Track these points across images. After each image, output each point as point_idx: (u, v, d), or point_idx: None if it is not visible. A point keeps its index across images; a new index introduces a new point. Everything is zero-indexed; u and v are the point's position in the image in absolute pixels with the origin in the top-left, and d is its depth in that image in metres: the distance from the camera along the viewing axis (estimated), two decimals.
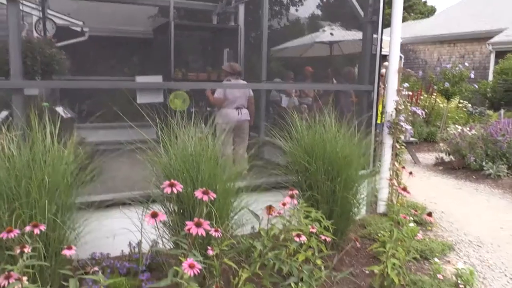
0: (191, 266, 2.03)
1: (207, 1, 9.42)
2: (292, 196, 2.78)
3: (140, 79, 5.22)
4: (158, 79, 5.88)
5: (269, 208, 2.77)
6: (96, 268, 2.47)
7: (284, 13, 10.30)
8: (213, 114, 6.06)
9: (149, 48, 9.49)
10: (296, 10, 11.67)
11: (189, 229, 2.17)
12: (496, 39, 14.38)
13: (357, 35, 5.62)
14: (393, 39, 4.65)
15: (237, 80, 6.05)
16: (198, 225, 2.20)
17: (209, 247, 2.61)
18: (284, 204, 2.93)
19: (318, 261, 2.95)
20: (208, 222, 2.30)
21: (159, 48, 8.88)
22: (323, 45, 9.22)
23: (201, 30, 9.66)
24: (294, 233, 2.67)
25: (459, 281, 3.55)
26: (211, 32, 9.67)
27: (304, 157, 3.63)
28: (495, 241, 4.56)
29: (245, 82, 6.24)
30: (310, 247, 2.92)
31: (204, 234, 2.20)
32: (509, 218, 5.27)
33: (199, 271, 2.09)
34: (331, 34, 8.50)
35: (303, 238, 2.66)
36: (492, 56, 14.41)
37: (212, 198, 2.42)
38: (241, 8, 8.76)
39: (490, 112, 11.61)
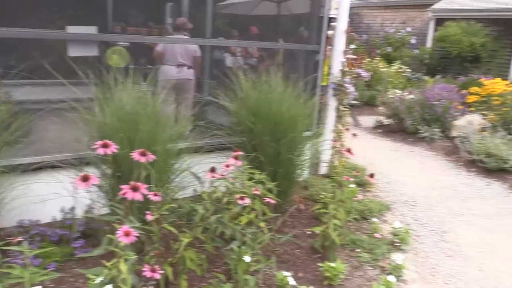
0: (127, 234, 1.89)
1: None
2: (236, 158, 2.69)
3: (71, 29, 4.78)
4: (92, 30, 5.44)
5: (212, 170, 2.66)
6: (21, 238, 2.26)
7: None
8: (154, 72, 5.77)
9: None
10: None
11: (124, 194, 2.01)
12: (436, 6, 14.74)
13: None
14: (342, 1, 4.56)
15: (181, 36, 5.76)
16: (135, 189, 2.05)
17: (148, 212, 2.47)
18: (227, 166, 2.83)
19: (262, 224, 2.91)
20: (146, 185, 2.15)
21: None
22: (271, 4, 8.95)
23: None
24: (237, 196, 2.59)
25: (395, 239, 3.70)
26: None
27: (249, 118, 3.52)
28: (428, 201, 4.80)
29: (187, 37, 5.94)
30: (254, 209, 2.86)
31: (141, 198, 2.05)
32: (440, 179, 5.56)
33: (136, 238, 1.96)
34: None
35: (247, 201, 2.59)
36: (432, 23, 14.78)
37: (151, 160, 2.27)
38: None
39: (426, 77, 12.04)
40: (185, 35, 5.85)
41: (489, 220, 4.39)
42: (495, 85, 7.71)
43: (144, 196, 2.12)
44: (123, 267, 1.96)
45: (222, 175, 2.84)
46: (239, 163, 2.70)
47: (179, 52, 5.67)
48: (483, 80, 8.38)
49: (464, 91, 7.92)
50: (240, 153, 2.85)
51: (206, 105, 5.85)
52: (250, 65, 9.22)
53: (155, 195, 2.38)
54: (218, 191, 2.67)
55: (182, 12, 8.08)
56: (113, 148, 2.24)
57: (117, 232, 1.91)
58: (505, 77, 11.87)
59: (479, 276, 3.34)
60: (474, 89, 7.91)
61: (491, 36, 12.84)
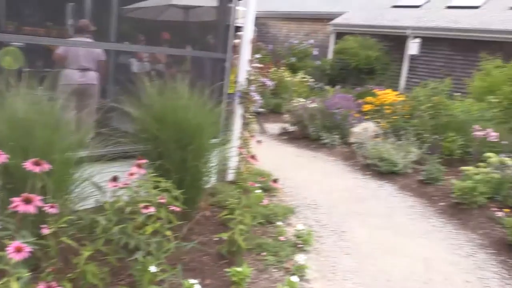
0: (18, 250, 1.76)
1: None
2: (139, 166, 2.63)
3: None
4: None
5: (114, 179, 2.58)
6: None
7: None
8: (53, 75, 5.43)
9: None
10: None
11: (15, 207, 1.88)
12: (336, 20, 15.79)
13: (213, 2, 5.54)
14: (249, 9, 4.69)
15: (84, 39, 5.49)
16: (28, 201, 1.92)
17: (44, 226, 2.32)
18: (131, 175, 2.77)
19: (168, 232, 2.88)
20: (41, 197, 2.03)
21: None
22: (179, 10, 8.89)
23: None
24: (141, 205, 2.54)
25: (298, 241, 3.88)
26: None
27: (155, 125, 3.47)
28: (328, 203, 5.10)
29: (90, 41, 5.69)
30: (160, 218, 2.82)
31: (34, 211, 1.93)
32: (340, 182, 5.95)
33: (29, 254, 1.83)
34: (181, 4, 8.24)
35: (151, 210, 2.55)
36: (333, 36, 15.80)
37: (47, 170, 2.14)
38: None
39: (328, 87, 12.80)
40: (87, 37, 5.59)
41: (381, 218, 4.80)
42: (386, 95, 8.46)
43: (39, 208, 2.00)
44: (15, 286, 1.83)
45: (125, 184, 2.77)
46: (143, 171, 2.65)
47: (82, 55, 5.42)
48: (377, 90, 9.14)
49: (360, 101, 8.57)
50: (144, 161, 2.80)
51: (110, 111, 5.64)
52: (157, 71, 9.05)
53: (52, 207, 2.25)
54: (121, 201, 2.60)
55: (84, 14, 7.70)
56: (2, 158, 2.08)
57: (7, 248, 1.78)
58: (396, 88, 13.05)
59: (372, 271, 3.63)
60: (368, 98, 8.60)
61: (383, 50, 14.07)
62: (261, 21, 19.52)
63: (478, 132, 6.15)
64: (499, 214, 4.63)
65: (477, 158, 5.82)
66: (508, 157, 5.47)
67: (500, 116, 7.26)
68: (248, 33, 4.72)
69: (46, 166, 2.14)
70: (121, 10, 7.59)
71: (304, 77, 12.21)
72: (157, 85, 3.83)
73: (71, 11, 8.31)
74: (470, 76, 10.30)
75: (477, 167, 5.12)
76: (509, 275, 3.75)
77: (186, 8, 8.65)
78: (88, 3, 7.76)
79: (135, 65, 8.63)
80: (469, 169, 5.05)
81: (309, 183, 5.79)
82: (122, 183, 2.70)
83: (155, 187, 2.95)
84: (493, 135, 6.03)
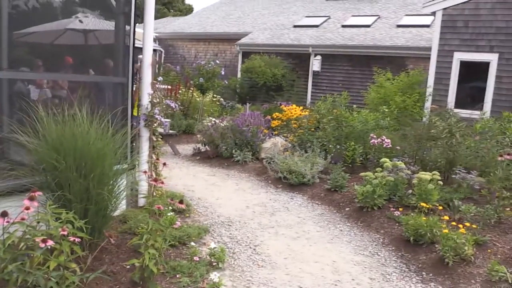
0: None
1: None
2: (32, 198, 2.50)
3: None
4: None
5: (3, 215, 2.42)
6: None
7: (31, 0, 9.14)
8: None
9: None
10: None
11: None
12: (242, 40, 16.28)
13: (112, 24, 5.44)
14: (146, 34, 4.71)
15: None
16: None
17: None
18: (27, 208, 2.61)
19: (73, 265, 2.76)
20: None
21: None
22: (77, 33, 8.58)
23: None
24: (38, 239, 2.40)
25: (212, 260, 3.89)
26: None
27: (52, 155, 3.31)
28: (242, 219, 5.19)
29: None
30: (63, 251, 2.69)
31: None
32: (253, 198, 6.08)
33: None
34: (80, 21, 7.99)
35: (50, 243, 2.43)
36: (240, 56, 16.26)
37: None
38: None
39: (239, 105, 13.09)
40: None
41: (293, 228, 4.99)
42: (292, 110, 8.86)
43: None
44: None
45: (22, 219, 2.61)
46: (35, 204, 2.51)
47: None
48: (283, 106, 9.54)
49: (268, 117, 8.88)
50: (38, 193, 2.66)
51: (4, 143, 5.27)
52: (59, 97, 8.61)
53: None
54: (13, 237, 2.44)
55: None
56: None
57: None
58: (304, 103, 13.72)
59: (286, 280, 3.76)
60: (276, 114, 8.94)
61: (289, 68, 14.76)
62: (169, 42, 19.51)
63: (374, 140, 6.68)
64: (397, 213, 5.04)
65: (376, 164, 6.31)
66: (401, 160, 6.01)
67: (393, 124, 7.96)
68: (147, 57, 4.72)
69: None
70: (12, 35, 7.16)
71: (214, 97, 12.36)
72: (55, 113, 3.67)
73: None
74: (367, 89, 11.19)
75: (375, 172, 5.54)
76: (407, 268, 4.10)
77: (84, 32, 8.39)
78: None
79: (33, 92, 8.14)
80: (368, 174, 5.46)
81: (223, 201, 5.85)
82: (19, 218, 2.55)
83: (57, 219, 2.81)
84: (387, 141, 6.59)
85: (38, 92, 8.07)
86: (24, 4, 9.42)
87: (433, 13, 10.40)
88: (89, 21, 8.41)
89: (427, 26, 13.80)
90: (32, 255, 2.46)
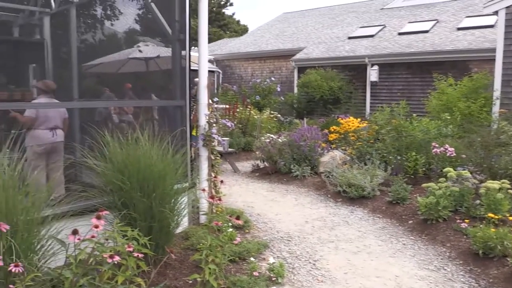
0: None
1: (6, 12, 8.46)
2: (98, 217, 2.70)
3: None
4: None
5: (74, 232, 2.63)
6: None
7: (97, 28, 9.90)
8: (21, 136, 5.48)
9: None
10: (112, 24, 11.32)
11: None
12: (297, 56, 16.39)
13: (169, 51, 5.77)
14: (201, 57, 4.91)
15: (50, 99, 5.62)
16: None
17: (11, 286, 2.35)
18: (96, 227, 2.82)
19: (138, 279, 2.92)
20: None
21: None
22: (139, 61, 9.15)
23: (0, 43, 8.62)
24: (106, 255, 2.59)
25: (271, 275, 3.93)
26: (12, 46, 8.69)
27: (118, 177, 3.55)
28: (301, 234, 5.19)
29: (56, 101, 5.83)
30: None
31: None
32: (312, 212, 6.06)
33: None
34: (140, 51, 8.55)
35: (116, 258, 2.60)
36: (296, 71, 16.36)
37: (4, 230, 2.19)
38: (47, 21, 8.13)
39: (297, 120, 13.13)
40: (51, 97, 5.71)
41: (353, 243, 4.90)
42: (350, 123, 8.75)
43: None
44: None
45: (93, 236, 2.82)
46: (102, 222, 2.71)
47: (51, 115, 5.56)
48: (341, 119, 9.45)
49: (326, 131, 8.83)
50: (106, 212, 2.87)
51: (77, 167, 5.70)
52: (125, 122, 9.17)
53: (16, 266, 2.28)
54: (83, 253, 2.64)
55: (46, 74, 7.84)
56: None
57: None
58: (362, 115, 13.49)
59: None
60: (333, 127, 8.87)
61: (346, 80, 14.61)
62: (226, 63, 20.07)
63: (436, 149, 6.43)
64: (463, 225, 4.80)
65: (439, 174, 6.06)
66: (466, 169, 5.72)
67: (457, 131, 7.60)
68: (203, 79, 4.93)
69: (5, 227, 2.19)
70: (81, 67, 7.78)
71: (271, 113, 12.51)
72: (120, 137, 3.94)
73: (33, 72, 8.46)
74: (428, 96, 10.79)
75: (438, 182, 5.33)
76: (476, 283, 3.88)
77: (145, 60, 8.93)
78: (49, 63, 7.93)
79: (99, 117, 8.73)
80: (431, 185, 5.25)
81: (282, 216, 5.88)
82: (89, 235, 2.76)
83: (123, 236, 3.01)
84: (450, 150, 6.31)
85: (105, 117, 8.65)
86: (92, 37, 10.21)
87: (496, 13, 9.88)
88: (149, 50, 8.96)
89: (491, 26, 13.11)
90: (101, 270, 2.65)
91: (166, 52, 6.87)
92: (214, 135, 4.83)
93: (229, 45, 21.90)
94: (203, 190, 3.95)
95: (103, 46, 9.83)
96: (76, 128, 6.68)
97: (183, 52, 4.88)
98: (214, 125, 4.86)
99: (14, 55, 8.59)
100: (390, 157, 7.03)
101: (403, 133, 7.30)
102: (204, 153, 5.02)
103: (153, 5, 5.29)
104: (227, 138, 8.29)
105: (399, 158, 6.96)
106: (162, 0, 5.45)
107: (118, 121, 9.37)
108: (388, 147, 7.21)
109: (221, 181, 3.78)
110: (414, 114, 8.45)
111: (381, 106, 8.38)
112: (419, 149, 6.94)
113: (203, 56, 4.90)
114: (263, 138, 9.28)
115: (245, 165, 9.19)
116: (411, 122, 7.66)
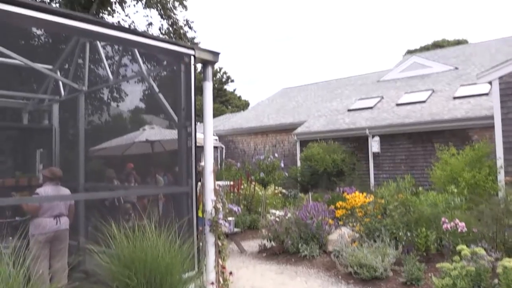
0: None
1: (16, 99, 8.77)
2: None
3: None
4: None
5: None
6: None
7: (103, 112, 10.22)
8: (24, 224, 5.41)
9: None
10: (117, 105, 11.70)
11: None
12: (299, 130, 16.67)
13: (173, 134, 5.88)
14: (206, 144, 4.99)
15: (56, 186, 5.61)
16: None
17: None
18: None
19: None
20: None
21: None
22: (144, 143, 9.32)
23: (9, 130, 8.84)
24: None
25: None
26: (21, 131, 8.90)
27: (124, 272, 3.45)
28: None
29: (65, 190, 5.79)
30: None
31: None
32: None
33: None
34: (146, 139, 8.75)
35: None
36: (298, 145, 16.56)
37: None
38: (56, 107, 8.39)
39: (302, 194, 13.03)
40: (57, 184, 5.71)
41: None
42: (355, 198, 8.68)
43: None
44: None
45: None
46: None
47: (56, 203, 5.50)
48: (346, 194, 9.37)
49: (332, 206, 8.72)
50: None
51: (82, 254, 5.59)
52: (129, 204, 9.14)
53: None
54: None
55: (53, 158, 7.94)
56: None
57: None
58: (367, 186, 13.44)
59: None
60: (339, 203, 8.77)
61: (348, 151, 14.73)
62: (229, 138, 20.41)
63: (447, 225, 6.30)
64: None
65: (452, 250, 5.88)
66: (479, 245, 5.57)
67: (465, 204, 7.50)
68: (209, 164, 4.96)
69: None
70: (88, 151, 7.90)
71: (276, 188, 12.46)
72: (126, 226, 3.88)
73: (41, 157, 8.58)
74: (432, 166, 10.79)
75: (453, 261, 5.15)
76: None
77: (152, 142, 9.10)
78: (56, 147, 8.07)
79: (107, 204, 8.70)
80: (445, 265, 5.08)
81: None
82: None
83: None
84: (461, 225, 6.18)
85: (111, 203, 8.62)
86: (99, 119, 10.43)
87: (489, 83, 10.20)
88: (156, 132, 9.14)
89: (486, 94, 13.45)
90: None
91: (172, 134, 7.02)
92: (220, 221, 4.77)
93: (232, 121, 22.41)
94: (212, 283, 3.81)
95: (109, 130, 10.09)
96: (81, 219, 6.62)
97: (189, 142, 4.94)
98: (220, 210, 4.82)
99: (22, 141, 8.78)
100: (400, 234, 6.86)
101: (411, 208, 7.20)
102: (210, 239, 4.92)
103: (160, 95, 5.47)
104: (232, 218, 8.17)
105: (409, 234, 6.80)
106: (168, 90, 5.66)
107: (123, 202, 9.35)
108: (396, 222, 7.08)
109: (230, 273, 3.66)
110: (420, 188, 8.40)
111: (385, 180, 8.35)
112: (428, 224, 6.80)
113: (208, 143, 4.98)
114: (268, 215, 9.16)
115: (252, 245, 8.97)
116: (417, 195, 7.59)
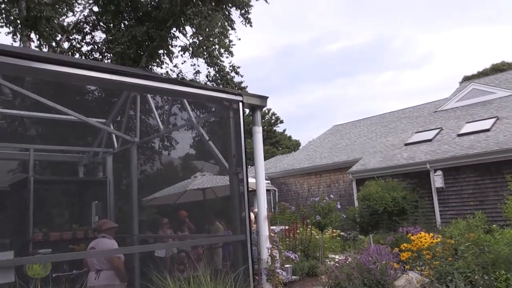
0: None
1: (72, 153, 9.10)
2: None
3: None
4: (8, 255, 5.05)
5: None
6: None
7: (155, 162, 10.37)
8: (82, 277, 5.33)
9: (3, 207, 8.51)
10: (169, 153, 11.89)
11: None
12: (354, 168, 16.07)
13: (225, 178, 5.73)
14: (259, 190, 4.78)
15: (100, 239, 5.47)
16: None
17: None
18: None
19: None
20: None
21: (16, 206, 8.03)
22: (196, 191, 9.26)
23: (66, 184, 9.12)
24: None
25: None
26: (77, 185, 9.15)
27: None
28: None
29: (106, 242, 5.52)
30: None
31: None
32: None
33: None
34: (198, 188, 8.69)
35: None
36: (354, 184, 15.90)
37: None
38: (109, 159, 8.58)
39: (362, 236, 12.33)
40: (109, 237, 5.61)
41: None
42: (422, 239, 7.99)
43: None
44: None
45: None
46: None
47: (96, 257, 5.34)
48: (410, 235, 8.68)
49: (396, 249, 8.07)
50: None
51: None
52: (183, 253, 8.98)
53: None
54: None
55: (108, 210, 8.02)
56: None
57: None
58: (433, 224, 12.52)
59: None
60: (404, 245, 8.11)
61: (409, 188, 13.91)
62: (281, 180, 20.06)
63: None
64: None
65: None
66: None
67: None
68: (262, 210, 4.72)
69: None
70: (141, 201, 7.93)
71: (333, 231, 11.87)
72: (180, 278, 3.69)
73: (96, 209, 8.71)
74: (504, 199, 9.86)
75: None
76: None
77: (203, 189, 9.02)
78: (111, 199, 8.17)
79: (161, 252, 8.59)
80: None
81: None
82: None
83: None
84: None
85: (165, 252, 8.48)
86: (151, 168, 10.53)
87: None
88: (208, 179, 9.07)
89: None
90: None
91: (223, 180, 6.91)
92: (277, 270, 4.45)
93: (283, 162, 22.15)
94: None
95: (162, 179, 10.19)
96: (136, 274, 6.46)
97: (241, 186, 4.75)
98: (277, 257, 4.51)
99: (78, 194, 9.00)
100: (476, 277, 6.15)
101: (485, 248, 6.48)
102: None
103: (210, 142, 5.38)
104: (290, 265, 7.75)
105: (486, 277, 6.07)
106: (218, 136, 5.58)
107: (177, 251, 9.22)
108: (470, 265, 6.37)
109: None
110: (494, 225, 7.62)
111: (454, 218, 7.66)
112: (508, 266, 6.05)
113: (261, 188, 4.77)
114: (327, 260, 8.64)
115: None
116: (491, 233, 6.84)
